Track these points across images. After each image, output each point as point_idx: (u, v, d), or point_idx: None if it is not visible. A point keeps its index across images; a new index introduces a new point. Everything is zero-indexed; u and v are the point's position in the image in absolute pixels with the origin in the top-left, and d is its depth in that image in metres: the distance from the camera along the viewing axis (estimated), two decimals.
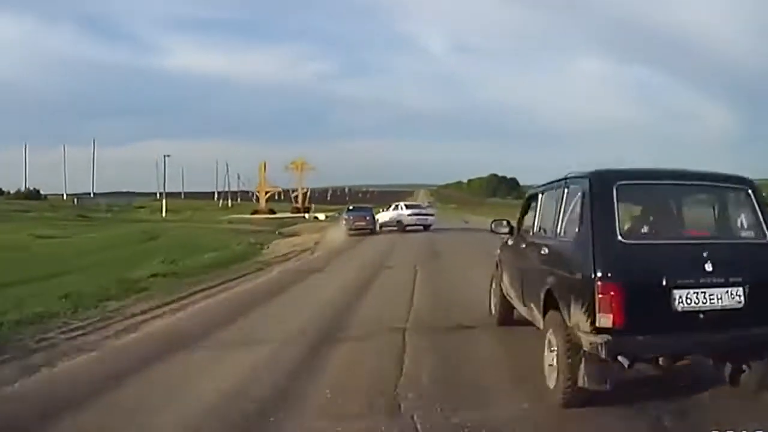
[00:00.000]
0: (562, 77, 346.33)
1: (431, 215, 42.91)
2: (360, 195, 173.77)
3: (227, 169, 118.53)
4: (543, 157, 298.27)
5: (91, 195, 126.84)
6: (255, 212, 74.42)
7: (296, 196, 77.74)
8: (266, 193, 78.28)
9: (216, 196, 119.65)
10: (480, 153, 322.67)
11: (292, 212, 71.88)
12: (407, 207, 43.12)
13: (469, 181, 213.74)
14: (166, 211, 79.97)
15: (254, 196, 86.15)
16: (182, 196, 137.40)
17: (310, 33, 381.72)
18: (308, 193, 78.52)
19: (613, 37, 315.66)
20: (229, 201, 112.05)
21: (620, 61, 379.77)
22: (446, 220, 65.01)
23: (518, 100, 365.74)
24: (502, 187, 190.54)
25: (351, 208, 46.27)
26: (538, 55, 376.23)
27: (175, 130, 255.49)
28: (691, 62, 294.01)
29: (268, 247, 28.15)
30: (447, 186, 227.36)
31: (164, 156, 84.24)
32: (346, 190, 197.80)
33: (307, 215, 64.84)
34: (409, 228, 40.09)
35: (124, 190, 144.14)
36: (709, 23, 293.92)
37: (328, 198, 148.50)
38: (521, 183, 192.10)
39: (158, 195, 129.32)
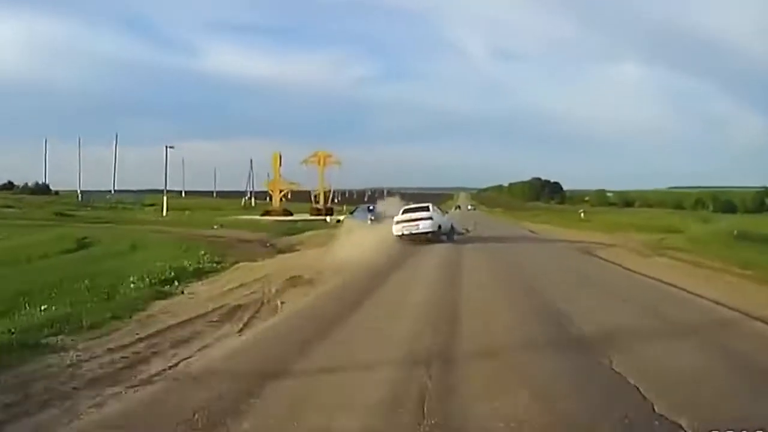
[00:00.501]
0: (605, 83, 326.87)
1: (428, 219, 27.61)
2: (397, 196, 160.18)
3: (251, 167, 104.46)
4: (585, 162, 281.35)
5: (112, 191, 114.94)
6: (267, 213, 59.88)
7: (317, 195, 62.50)
8: (281, 191, 63.49)
9: (247, 195, 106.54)
10: (520, 157, 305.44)
11: (312, 214, 57.13)
12: (403, 212, 28.67)
13: (510, 184, 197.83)
14: (167, 210, 66.65)
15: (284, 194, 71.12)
16: (214, 195, 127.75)
17: (351, 37, 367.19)
18: (331, 192, 62.84)
19: (656, 44, 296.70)
20: (253, 200, 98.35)
21: (663, 69, 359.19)
22: (503, 226, 50.36)
23: (560, 105, 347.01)
24: (545, 191, 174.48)
25: (371, 207, 32.10)
26: (581, 60, 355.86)
27: (212, 130, 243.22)
28: (734, 71, 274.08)
29: (190, 288, 13.80)
30: (487, 189, 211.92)
31: (166, 147, 70.46)
32: (385, 192, 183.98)
33: (328, 218, 49.76)
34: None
35: (159, 188, 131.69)
36: (752, 32, 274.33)
37: (366, 199, 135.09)
38: (564, 187, 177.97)
39: (182, 193, 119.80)
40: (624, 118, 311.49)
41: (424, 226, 27.01)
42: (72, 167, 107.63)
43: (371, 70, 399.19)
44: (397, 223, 27.41)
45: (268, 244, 29.31)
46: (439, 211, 31.84)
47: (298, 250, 25.17)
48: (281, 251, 25.44)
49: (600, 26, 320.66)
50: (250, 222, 50.03)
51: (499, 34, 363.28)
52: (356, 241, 23.27)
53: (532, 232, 43.58)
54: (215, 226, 43.55)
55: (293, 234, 36.11)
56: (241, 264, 19.31)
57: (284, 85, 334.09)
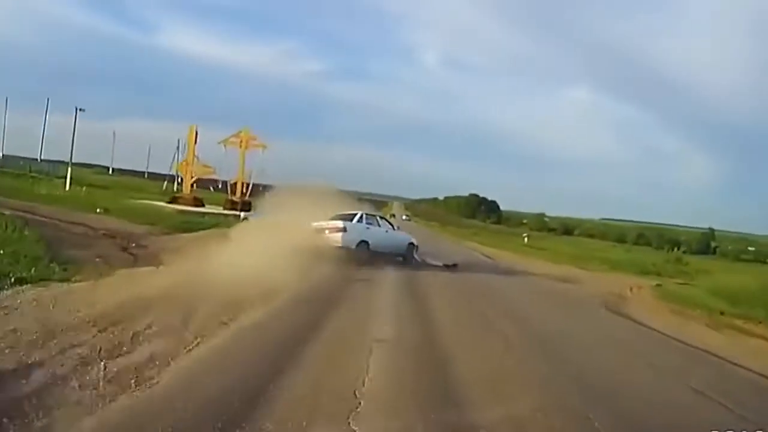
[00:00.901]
0: (550, 106, 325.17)
1: (341, 230, 21.08)
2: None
3: (178, 147, 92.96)
4: (524, 183, 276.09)
5: (38, 160, 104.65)
6: (174, 200, 48.82)
7: (234, 185, 51.39)
8: (192, 176, 52.24)
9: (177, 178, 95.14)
10: (458, 171, 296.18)
11: (226, 207, 46.51)
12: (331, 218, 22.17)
13: (446, 198, 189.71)
14: (70, 185, 55.30)
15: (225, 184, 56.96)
16: (145, 175, 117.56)
17: (306, 29, 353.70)
18: (251, 182, 50.91)
19: (604, 72, 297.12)
20: (175, 184, 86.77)
21: (608, 97, 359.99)
22: (450, 247, 40.99)
23: (506, 123, 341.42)
24: (481, 208, 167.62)
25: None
26: (533, 80, 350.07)
27: (156, 109, 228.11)
28: (678, 106, 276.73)
29: None
30: (421, 201, 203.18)
31: (76, 109, 59.15)
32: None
33: (243, 214, 39.51)
34: None
35: (94, 162, 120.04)
36: (699, 70, 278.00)
37: None
38: (502, 207, 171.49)
39: (110, 170, 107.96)
40: (569, 144, 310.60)
41: (334, 240, 20.51)
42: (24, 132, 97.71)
43: (323, 66, 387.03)
44: (314, 231, 20.78)
45: (132, 245, 19.59)
46: (382, 221, 24.06)
47: (159, 266, 15.48)
48: (136, 262, 15.75)
49: (557, 49, 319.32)
50: (149, 209, 39.72)
51: (454, 43, 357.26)
52: (251, 254, 14.62)
53: (488, 257, 34.61)
54: (98, 210, 33.68)
55: (186, 231, 26.52)
56: (25, 289, 9.84)
57: (236, 71, 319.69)
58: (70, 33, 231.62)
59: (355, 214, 22.16)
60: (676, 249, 52.54)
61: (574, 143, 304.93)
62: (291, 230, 19.56)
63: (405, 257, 23.20)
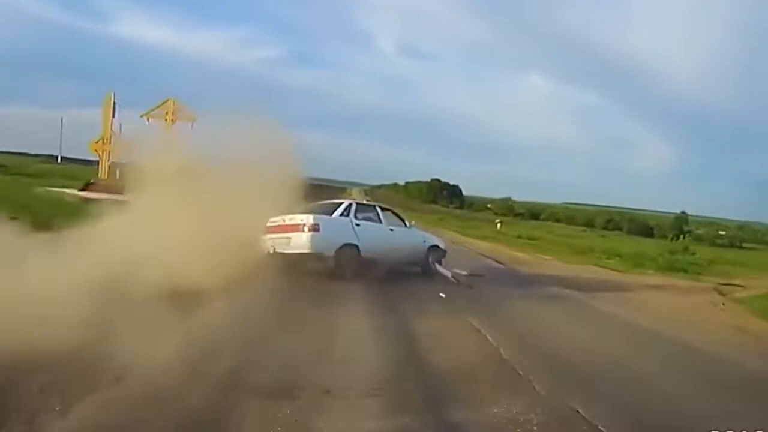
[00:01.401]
0: (510, 93, 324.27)
1: (311, 231, 13.26)
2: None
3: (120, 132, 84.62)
4: (485, 168, 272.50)
5: None
6: (87, 186, 39.48)
7: None
8: (109, 157, 42.31)
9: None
10: (419, 157, 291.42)
11: None
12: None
13: (407, 183, 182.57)
14: None
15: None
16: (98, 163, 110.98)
17: (260, 17, 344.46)
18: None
19: (563, 59, 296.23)
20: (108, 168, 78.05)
21: (568, 84, 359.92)
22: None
23: (466, 109, 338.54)
24: (444, 193, 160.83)
25: None
26: (492, 67, 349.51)
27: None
28: (637, 93, 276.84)
29: None
30: (381, 186, 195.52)
31: None
32: None
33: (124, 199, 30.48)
34: None
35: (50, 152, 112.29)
36: (658, 57, 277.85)
37: None
38: (465, 192, 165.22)
39: (58, 158, 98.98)
40: (530, 130, 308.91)
41: (296, 244, 13.31)
42: None
43: (278, 53, 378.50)
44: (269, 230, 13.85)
45: None
46: (385, 214, 15.56)
47: None
48: None
49: (516, 37, 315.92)
50: (44, 199, 30.92)
51: (411, 30, 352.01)
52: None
53: (498, 263, 25.05)
54: None
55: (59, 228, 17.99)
56: None
57: (190, 59, 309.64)
58: (22, 22, 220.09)
59: (341, 204, 14.73)
60: (682, 237, 45.15)
61: (535, 129, 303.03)
62: (199, 226, 11.70)
63: (424, 268, 15.52)
